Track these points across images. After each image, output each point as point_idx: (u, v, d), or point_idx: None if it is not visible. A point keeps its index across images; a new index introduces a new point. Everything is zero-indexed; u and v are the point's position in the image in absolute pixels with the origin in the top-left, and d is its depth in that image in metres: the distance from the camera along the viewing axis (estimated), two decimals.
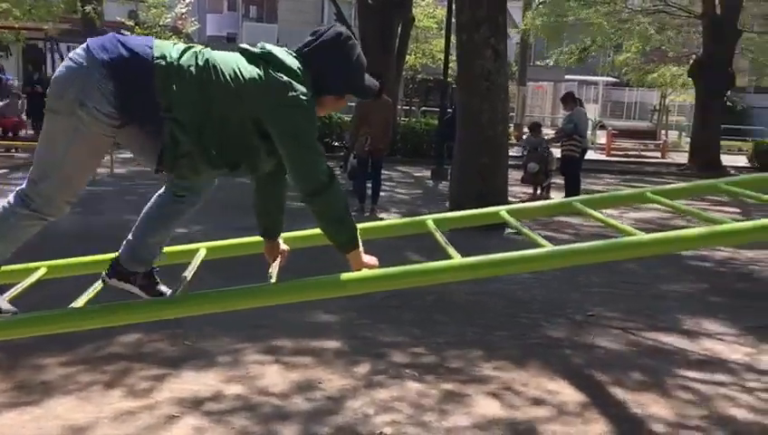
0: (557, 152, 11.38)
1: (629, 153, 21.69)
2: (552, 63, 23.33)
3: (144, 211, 2.42)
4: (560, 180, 11.28)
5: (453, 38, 13.59)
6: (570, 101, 10.97)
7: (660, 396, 3.94)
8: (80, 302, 2.26)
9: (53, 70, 14.94)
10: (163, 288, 2.42)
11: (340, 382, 3.90)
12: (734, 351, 4.74)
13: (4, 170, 10.88)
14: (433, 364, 4.23)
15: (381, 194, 9.93)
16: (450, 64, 13.82)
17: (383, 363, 4.22)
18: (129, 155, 14.90)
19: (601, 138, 23.33)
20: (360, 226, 2.42)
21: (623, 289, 6.12)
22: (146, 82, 2.05)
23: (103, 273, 2.43)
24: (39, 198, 2.16)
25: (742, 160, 20.12)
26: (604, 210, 2.88)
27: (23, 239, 2.24)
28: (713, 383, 4.14)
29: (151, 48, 2.10)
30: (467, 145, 8.55)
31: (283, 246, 2.61)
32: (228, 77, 2.10)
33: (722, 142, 19.19)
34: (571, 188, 10.81)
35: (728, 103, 22.01)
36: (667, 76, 23.46)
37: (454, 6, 10.94)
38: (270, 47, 2.22)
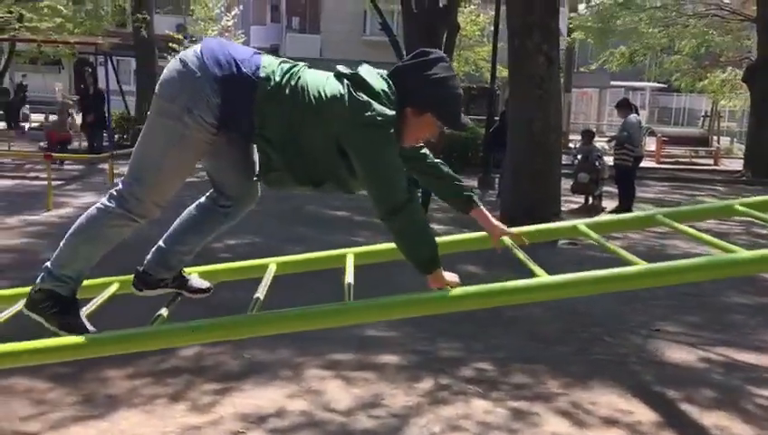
0: (610, 160, 11.14)
1: (680, 160, 21.20)
2: (596, 66, 22.90)
3: (181, 218, 2.46)
4: (613, 189, 11.05)
5: (499, 44, 13.50)
6: (624, 107, 10.72)
7: (736, 414, 3.77)
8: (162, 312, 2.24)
9: (107, 84, 15.31)
10: (196, 283, 2.54)
11: (404, 399, 3.83)
12: None
13: (60, 182, 11.11)
14: (497, 380, 4.13)
15: (431, 205, 9.82)
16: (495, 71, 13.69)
17: (446, 379, 4.13)
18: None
19: (651, 144, 22.85)
20: None
21: (686, 301, 5.91)
22: (248, 102, 2.12)
23: (133, 287, 2.49)
24: (132, 199, 2.18)
25: None
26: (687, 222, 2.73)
27: (112, 242, 2.26)
28: None
29: (259, 68, 2.16)
30: (520, 153, 8.42)
31: (504, 226, 2.59)
32: (312, 97, 2.13)
33: None
34: (625, 198, 10.57)
35: None
36: (718, 81, 22.87)
37: (503, 11, 10.81)
38: (361, 68, 2.24)
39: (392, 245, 2.77)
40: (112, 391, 3.78)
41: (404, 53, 15.82)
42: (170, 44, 21.30)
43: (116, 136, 16.31)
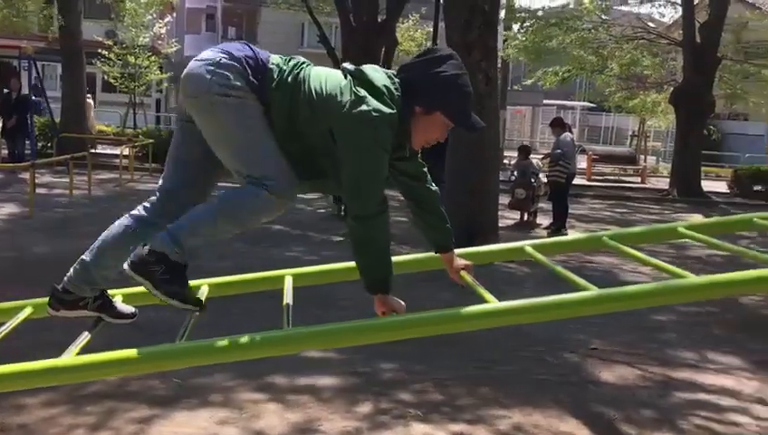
0: (543, 177, 11.29)
1: (609, 178, 21.78)
2: (530, 83, 23.35)
3: (111, 230, 2.26)
4: (547, 205, 11.19)
5: None
6: (558, 126, 10.90)
7: (674, 434, 3.78)
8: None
9: (29, 89, 14.64)
10: (120, 307, 2.37)
11: (342, 424, 3.68)
12: (744, 385, 4.59)
13: None
14: (438, 402, 4.02)
15: None
16: None
17: (386, 402, 4.00)
18: (105, 175, 14.68)
19: (582, 162, 23.41)
20: None
21: (621, 320, 5.95)
22: (264, 84, 2.11)
23: (48, 307, 2.28)
24: (271, 182, 2.07)
25: (720, 186, 20.25)
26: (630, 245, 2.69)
27: (248, 226, 2.18)
28: (727, 423, 3.98)
29: (269, 58, 2.17)
30: (459, 170, 8.40)
31: (462, 261, 2.47)
32: (312, 90, 2.10)
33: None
34: (558, 215, 10.73)
35: (704, 131, 22.25)
36: (647, 102, 23.67)
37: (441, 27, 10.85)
38: (366, 66, 2.17)
39: (332, 266, 2.67)
40: (26, 420, 3.49)
41: None
42: (99, 50, 20.63)
43: (39, 144, 15.60)
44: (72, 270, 2.25)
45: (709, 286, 1.93)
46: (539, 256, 2.54)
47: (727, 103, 25.04)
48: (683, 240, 2.70)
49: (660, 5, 27.78)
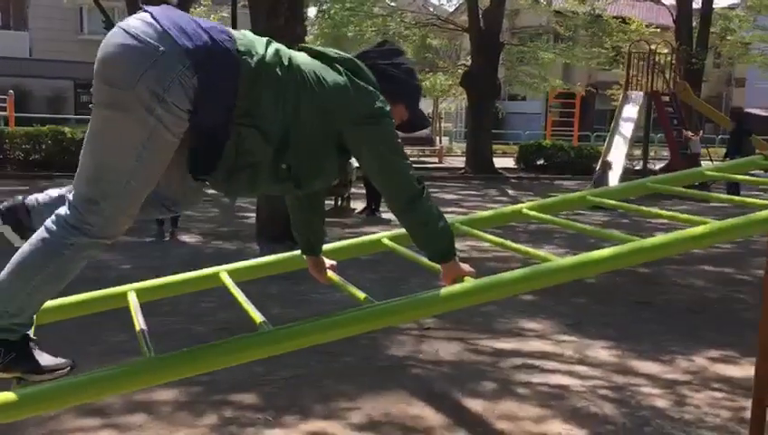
0: (355, 162, 11.42)
1: (410, 158, 22.64)
2: None
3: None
4: (361, 190, 11.36)
5: None
6: None
7: (516, 401, 3.97)
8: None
9: None
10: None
11: None
12: (564, 348, 4.96)
13: None
14: (287, 403, 3.89)
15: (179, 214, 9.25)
16: None
17: (231, 410, 3.79)
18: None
19: None
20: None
21: None
22: (229, 82, 1.71)
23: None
24: (100, 219, 1.70)
25: (508, 162, 21.88)
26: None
27: (75, 273, 1.77)
28: (557, 385, 4.26)
29: (232, 39, 1.75)
30: None
31: (329, 261, 2.42)
32: (313, 83, 1.84)
33: None
34: (372, 198, 10.94)
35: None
36: (439, 85, 24.87)
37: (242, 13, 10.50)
38: (342, 53, 2.00)
39: (181, 277, 2.45)
40: None
41: None
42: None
43: None
44: None
45: (577, 267, 2.00)
46: (400, 248, 2.49)
47: (506, 84, 27.02)
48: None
49: None
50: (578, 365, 4.63)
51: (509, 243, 2.43)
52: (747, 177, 2.97)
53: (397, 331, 5.20)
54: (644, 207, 2.72)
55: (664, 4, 25.65)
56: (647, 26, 23.54)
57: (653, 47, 17.57)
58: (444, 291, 1.99)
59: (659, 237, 2.10)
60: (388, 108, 1.94)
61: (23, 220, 1.94)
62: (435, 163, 22.50)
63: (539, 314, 5.76)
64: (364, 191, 11.30)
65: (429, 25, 20.81)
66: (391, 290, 6.00)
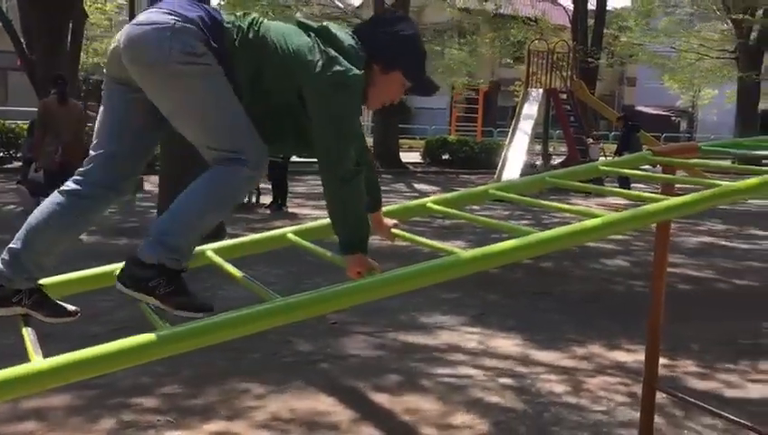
0: None
1: None
2: None
3: (42, 210, 2.00)
4: (267, 185, 11.20)
5: None
6: None
7: (421, 394, 4.02)
8: None
9: None
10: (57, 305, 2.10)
11: None
12: (468, 340, 5.06)
13: None
14: (189, 404, 3.78)
15: None
16: None
17: (129, 413, 3.65)
18: None
19: None
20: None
21: None
22: (223, 44, 1.94)
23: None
24: (247, 156, 1.94)
25: (414, 156, 22.14)
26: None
27: (232, 206, 2.07)
28: (461, 375, 4.35)
29: (218, 12, 2.01)
30: (175, 157, 7.95)
31: (391, 220, 2.48)
32: (278, 46, 1.98)
33: None
34: (279, 192, 10.83)
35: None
36: None
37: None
38: (328, 23, 2.10)
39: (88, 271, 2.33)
40: None
41: (22, 40, 13.99)
42: None
43: None
44: None
45: (480, 259, 2.04)
46: (305, 242, 2.46)
47: None
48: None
49: None
50: (481, 356, 4.74)
51: (414, 236, 2.44)
52: (637, 171, 3.10)
53: (304, 326, 5.14)
54: (542, 201, 2.80)
55: (560, 5, 26.61)
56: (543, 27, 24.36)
57: (551, 46, 18.20)
58: (347, 286, 1.98)
59: (552, 231, 2.16)
60: (349, 74, 1.95)
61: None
62: None
63: (444, 307, 5.86)
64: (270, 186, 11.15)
65: (336, 19, 20.73)
66: (297, 285, 5.95)
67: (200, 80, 1.89)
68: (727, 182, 2.53)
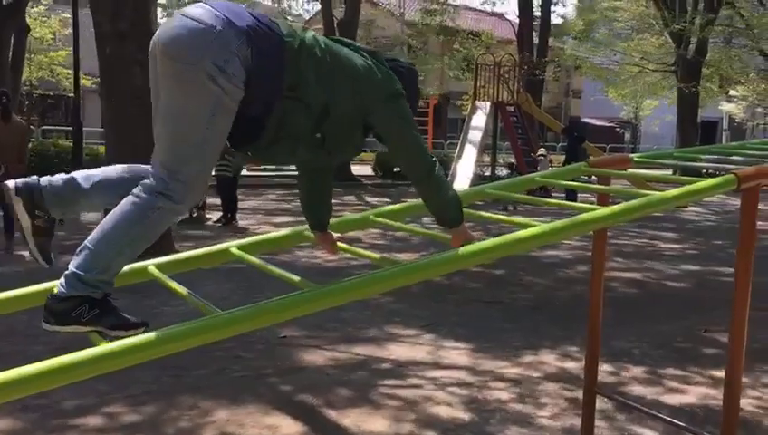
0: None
1: (267, 168, 22.35)
2: None
3: (117, 170, 2.17)
4: (217, 200, 11.11)
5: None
6: None
7: (370, 408, 4.03)
8: None
9: None
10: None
11: None
12: (418, 351, 5.10)
13: None
14: (135, 423, 3.73)
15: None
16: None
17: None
18: None
19: None
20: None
21: None
22: (280, 57, 1.95)
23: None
24: (181, 185, 1.92)
25: (365, 170, 22.20)
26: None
27: (156, 237, 2.01)
28: (411, 386, 4.39)
29: (275, 24, 2.00)
30: (123, 144, 7.82)
31: (335, 234, 2.56)
32: (347, 64, 2.08)
33: None
34: (229, 208, 10.75)
35: None
36: None
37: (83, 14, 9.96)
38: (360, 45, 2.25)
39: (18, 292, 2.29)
40: None
41: None
42: None
43: None
44: (60, 181, 2.09)
45: (424, 268, 2.12)
46: (249, 257, 2.47)
47: None
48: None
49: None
50: (431, 367, 4.79)
51: (356, 249, 2.48)
52: (572, 182, 3.20)
53: (252, 341, 5.13)
54: (482, 212, 2.86)
55: (507, 19, 27.14)
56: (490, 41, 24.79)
57: (498, 59, 18.53)
58: (292, 297, 2.00)
59: (489, 241, 2.23)
60: (401, 88, 2.16)
61: (35, 198, 2.06)
62: (293, 171, 22.36)
63: (394, 318, 5.90)
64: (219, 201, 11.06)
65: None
66: (246, 300, 5.91)
67: (208, 98, 1.87)
68: (658, 192, 2.64)
